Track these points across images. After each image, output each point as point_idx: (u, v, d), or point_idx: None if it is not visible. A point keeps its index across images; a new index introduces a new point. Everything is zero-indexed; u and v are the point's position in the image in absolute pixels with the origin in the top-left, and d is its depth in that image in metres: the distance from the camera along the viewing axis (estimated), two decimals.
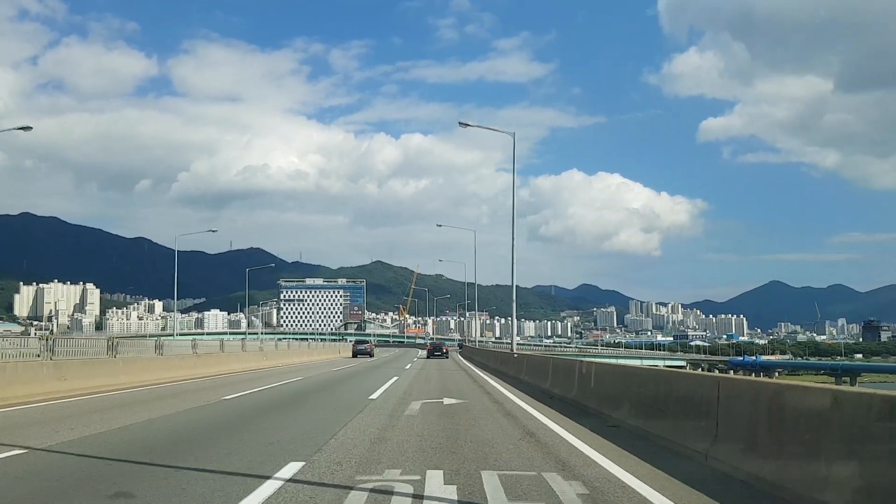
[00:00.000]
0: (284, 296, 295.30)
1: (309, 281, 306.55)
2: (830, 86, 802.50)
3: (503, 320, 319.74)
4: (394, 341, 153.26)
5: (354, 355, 55.42)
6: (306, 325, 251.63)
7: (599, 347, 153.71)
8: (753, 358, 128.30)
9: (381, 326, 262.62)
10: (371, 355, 56.35)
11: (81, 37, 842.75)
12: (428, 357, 54.90)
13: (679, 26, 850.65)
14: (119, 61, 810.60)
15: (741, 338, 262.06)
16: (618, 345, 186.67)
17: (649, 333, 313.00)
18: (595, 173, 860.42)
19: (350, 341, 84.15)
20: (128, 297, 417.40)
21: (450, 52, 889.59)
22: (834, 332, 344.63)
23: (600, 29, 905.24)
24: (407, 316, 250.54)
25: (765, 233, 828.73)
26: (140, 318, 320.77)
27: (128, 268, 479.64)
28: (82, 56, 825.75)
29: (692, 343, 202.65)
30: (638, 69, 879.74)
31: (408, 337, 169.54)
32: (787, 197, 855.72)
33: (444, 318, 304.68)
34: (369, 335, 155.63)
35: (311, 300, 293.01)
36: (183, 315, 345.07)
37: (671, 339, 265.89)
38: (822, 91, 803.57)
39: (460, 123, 34.67)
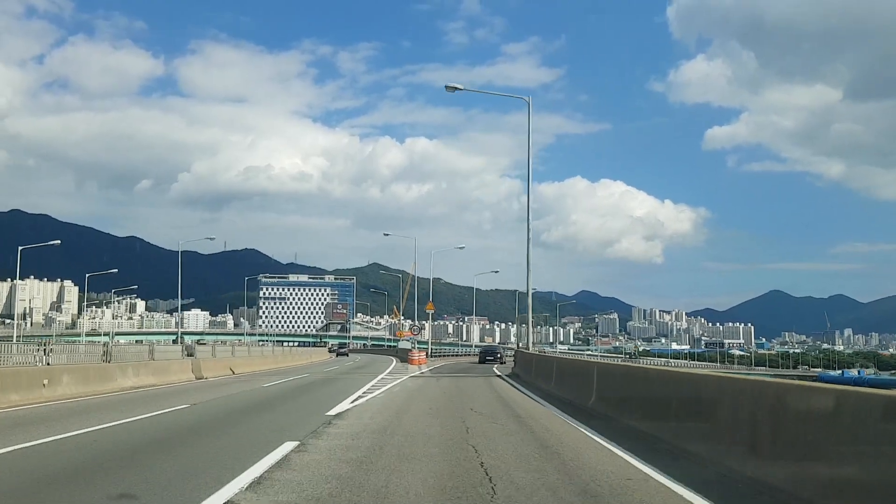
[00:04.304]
0: (264, 294, 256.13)
1: (293, 278, 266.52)
2: (839, 95, 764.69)
3: (503, 325, 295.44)
4: (372, 344, 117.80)
5: (337, 356, 70.39)
6: (287, 326, 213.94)
7: (636, 356, 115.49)
8: (855, 373, 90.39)
9: (370, 328, 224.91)
10: (347, 355, 72.32)
11: (88, 35, 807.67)
12: (480, 362, 47.62)
13: (688, 33, 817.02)
14: (126, 60, 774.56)
15: (769, 346, 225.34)
16: (645, 353, 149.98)
17: (662, 341, 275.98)
18: (598, 180, 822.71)
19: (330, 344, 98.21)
20: (115, 295, 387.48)
21: (458, 56, 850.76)
22: (841, 343, 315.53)
23: (609, 35, 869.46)
24: (401, 318, 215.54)
25: (766, 242, 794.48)
26: (115, 318, 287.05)
27: (118, 267, 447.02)
28: (89, 55, 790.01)
29: (731, 352, 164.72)
30: (645, 76, 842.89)
31: (394, 340, 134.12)
32: (791, 206, 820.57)
33: (442, 322, 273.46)
34: (347, 338, 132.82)
35: (293, 298, 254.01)
36: (165, 315, 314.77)
37: (687, 347, 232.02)
38: (830, 100, 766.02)
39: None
